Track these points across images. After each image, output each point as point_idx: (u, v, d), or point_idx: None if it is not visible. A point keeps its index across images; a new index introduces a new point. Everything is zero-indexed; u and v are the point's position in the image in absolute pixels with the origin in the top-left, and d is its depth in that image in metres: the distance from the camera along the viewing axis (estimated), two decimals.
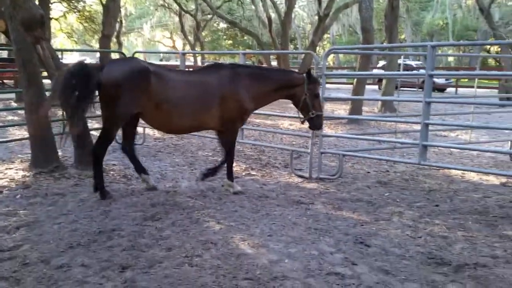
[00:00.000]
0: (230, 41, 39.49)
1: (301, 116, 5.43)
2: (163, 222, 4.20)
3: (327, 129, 9.23)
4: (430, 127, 5.55)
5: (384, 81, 14.09)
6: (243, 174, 6.21)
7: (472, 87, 21.39)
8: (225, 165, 5.30)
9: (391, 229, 4.20)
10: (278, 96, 5.43)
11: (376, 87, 23.44)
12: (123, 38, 32.52)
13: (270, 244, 3.76)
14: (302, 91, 5.22)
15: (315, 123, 5.38)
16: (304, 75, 5.28)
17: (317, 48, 25.98)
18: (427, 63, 5.21)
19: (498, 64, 29.99)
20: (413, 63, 24.82)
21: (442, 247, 3.77)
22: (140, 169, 5.27)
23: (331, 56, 31.91)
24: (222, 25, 37.97)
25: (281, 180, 5.90)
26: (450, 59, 37.17)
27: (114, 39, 24.77)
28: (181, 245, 3.68)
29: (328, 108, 13.10)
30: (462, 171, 6.36)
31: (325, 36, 31.11)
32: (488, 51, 33.78)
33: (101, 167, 4.86)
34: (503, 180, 6.04)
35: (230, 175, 5.28)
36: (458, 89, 22.11)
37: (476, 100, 8.15)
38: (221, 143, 5.42)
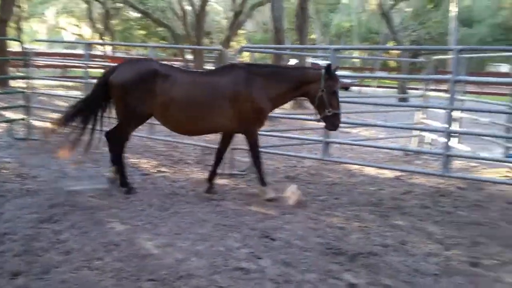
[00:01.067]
0: (144, 32, 38.09)
1: (317, 114, 5.04)
2: (61, 224, 3.96)
3: None
4: None
5: None
6: (154, 171, 6.07)
7: (375, 86, 23.32)
8: (217, 167, 5.31)
9: (295, 222, 4.40)
10: (295, 94, 5.21)
11: None
12: (23, 24, 29.81)
13: (177, 243, 3.73)
14: (317, 88, 4.88)
15: (332, 122, 4.94)
16: (322, 71, 4.94)
17: (234, 43, 26.13)
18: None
19: (398, 66, 32.64)
20: (324, 63, 26.07)
21: (339, 237, 4.04)
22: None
23: (248, 53, 32.24)
24: (135, 14, 36.52)
25: (192, 177, 5.87)
26: (356, 60, 39.66)
27: (13, 25, 22.64)
28: (81, 248, 3.50)
29: None
30: (361, 166, 6.84)
31: (242, 31, 31.40)
32: (389, 54, 36.67)
33: (123, 164, 5.10)
34: (397, 173, 6.61)
35: (261, 180, 5.10)
36: (363, 88, 23.70)
37: (375, 100, 8.81)
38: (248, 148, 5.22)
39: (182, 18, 19.17)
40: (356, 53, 31.60)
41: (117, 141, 5.01)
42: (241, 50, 7.05)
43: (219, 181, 5.68)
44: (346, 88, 24.50)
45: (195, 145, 7.65)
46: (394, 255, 3.73)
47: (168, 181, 5.63)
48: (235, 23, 17.61)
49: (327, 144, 5.63)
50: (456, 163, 7.51)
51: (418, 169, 6.75)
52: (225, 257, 3.51)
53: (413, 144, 8.24)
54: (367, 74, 21.19)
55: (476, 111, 7.24)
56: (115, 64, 5.43)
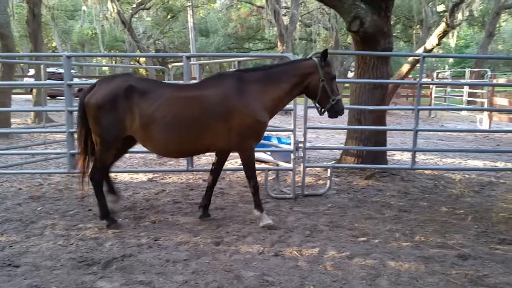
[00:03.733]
0: None
1: (319, 107, 4.62)
2: None
3: None
4: None
5: (34, 91, 13.23)
6: None
7: None
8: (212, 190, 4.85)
9: (43, 243, 4.07)
10: (295, 93, 4.64)
11: (31, 96, 21.72)
12: None
13: None
14: (318, 78, 4.47)
15: (338, 109, 4.56)
16: (315, 59, 4.51)
17: None
18: (64, 73, 5.29)
19: (147, 73, 33.50)
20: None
21: (93, 248, 3.96)
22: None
23: None
24: None
25: None
26: (105, 68, 38.74)
27: None
28: None
29: None
30: (115, 173, 6.79)
31: None
32: (139, 62, 37.25)
33: (103, 194, 4.53)
34: (150, 176, 6.87)
35: (257, 204, 4.59)
36: None
37: None
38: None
39: None
40: (104, 61, 30.93)
41: (97, 169, 4.43)
42: None
43: None
44: None
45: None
46: (148, 252, 3.90)
47: None
48: None
49: (72, 156, 5.37)
50: (203, 159, 8.34)
51: (166, 168, 7.18)
52: None
53: None
54: None
55: None
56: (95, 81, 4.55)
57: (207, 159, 8.19)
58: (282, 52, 18.04)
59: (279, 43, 18.23)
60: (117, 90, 4.24)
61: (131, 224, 4.63)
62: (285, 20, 18.74)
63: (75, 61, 12.22)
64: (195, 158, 7.91)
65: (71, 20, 33.25)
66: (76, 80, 22.76)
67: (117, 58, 39.40)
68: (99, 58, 41.57)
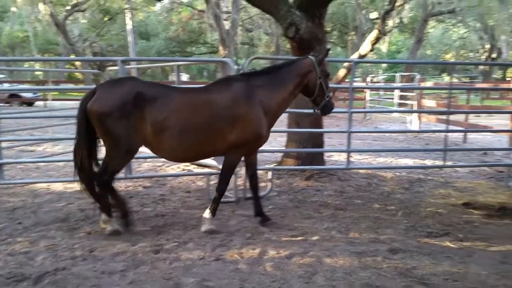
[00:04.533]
0: None
1: (315, 104, 4.76)
2: None
3: None
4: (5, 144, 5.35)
5: None
6: None
7: (63, 99, 22.26)
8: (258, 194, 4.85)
9: None
10: (297, 92, 4.70)
11: None
12: None
13: None
14: (316, 76, 4.60)
15: (330, 106, 4.77)
16: (312, 57, 4.63)
17: None
18: None
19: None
20: None
21: (23, 263, 3.75)
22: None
23: None
24: None
25: None
26: (38, 72, 36.77)
27: None
28: None
29: None
30: (48, 184, 6.49)
31: None
32: (74, 65, 35.71)
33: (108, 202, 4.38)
34: None
35: (213, 208, 4.62)
36: (48, 102, 22.24)
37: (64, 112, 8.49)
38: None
39: None
40: (37, 65, 29.31)
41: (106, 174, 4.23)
42: None
43: None
44: (30, 103, 22.47)
45: None
46: (82, 264, 3.76)
47: None
48: None
49: (0, 166, 5.07)
50: (144, 165, 8.16)
51: None
52: None
53: None
54: (52, 86, 19.95)
55: None
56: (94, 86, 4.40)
57: (148, 165, 8.03)
58: (224, 57, 18.11)
59: (221, 48, 18.26)
60: (127, 97, 4.08)
61: (65, 236, 4.43)
62: (227, 24, 18.83)
63: (5, 66, 11.51)
64: (135, 164, 7.74)
65: (1, 22, 31.23)
66: (5, 86, 21.41)
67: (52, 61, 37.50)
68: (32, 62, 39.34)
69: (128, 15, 25.99)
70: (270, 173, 6.11)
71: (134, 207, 5.51)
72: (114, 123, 4.05)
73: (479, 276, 3.59)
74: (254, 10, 24.36)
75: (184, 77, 38.13)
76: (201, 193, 6.16)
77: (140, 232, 4.59)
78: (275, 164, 7.54)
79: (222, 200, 5.75)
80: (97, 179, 4.31)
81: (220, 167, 6.45)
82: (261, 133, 4.45)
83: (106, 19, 31.77)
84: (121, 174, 6.43)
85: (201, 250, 4.10)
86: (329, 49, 4.79)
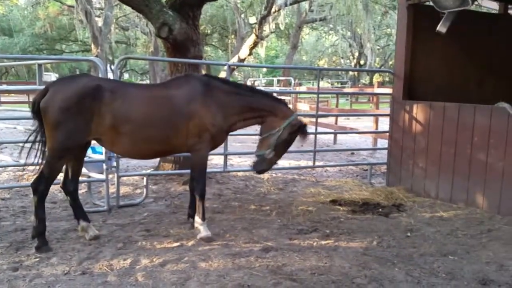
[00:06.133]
0: None
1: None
2: None
3: None
4: None
5: None
6: None
7: None
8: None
9: None
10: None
11: None
12: None
13: None
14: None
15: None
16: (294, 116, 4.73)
17: None
18: None
19: None
20: None
21: None
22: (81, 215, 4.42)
23: None
24: None
25: None
26: None
27: None
28: None
29: None
30: None
31: None
32: None
33: (44, 209, 4.17)
34: None
35: (200, 211, 4.55)
36: None
37: None
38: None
39: None
40: None
41: (44, 180, 4.09)
42: None
43: None
44: None
45: None
46: None
47: None
48: None
49: None
50: (4, 174, 7.27)
51: None
52: None
53: None
54: None
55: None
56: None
57: (7, 175, 7.15)
58: (96, 55, 17.05)
59: (93, 46, 17.14)
60: (84, 90, 4.00)
61: None
62: (99, 21, 17.72)
63: None
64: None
65: None
66: None
67: None
68: None
69: None
70: (145, 179, 5.88)
71: None
72: (69, 118, 3.95)
73: (343, 269, 3.86)
74: (129, 8, 23.39)
75: (54, 77, 35.05)
76: (68, 204, 5.67)
77: None
78: (152, 170, 7.30)
79: (93, 209, 5.42)
80: (34, 191, 4.14)
81: (91, 174, 6.07)
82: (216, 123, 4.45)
83: None
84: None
85: (66, 265, 3.79)
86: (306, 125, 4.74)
